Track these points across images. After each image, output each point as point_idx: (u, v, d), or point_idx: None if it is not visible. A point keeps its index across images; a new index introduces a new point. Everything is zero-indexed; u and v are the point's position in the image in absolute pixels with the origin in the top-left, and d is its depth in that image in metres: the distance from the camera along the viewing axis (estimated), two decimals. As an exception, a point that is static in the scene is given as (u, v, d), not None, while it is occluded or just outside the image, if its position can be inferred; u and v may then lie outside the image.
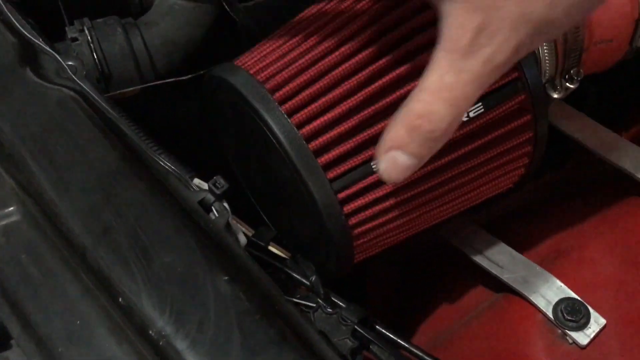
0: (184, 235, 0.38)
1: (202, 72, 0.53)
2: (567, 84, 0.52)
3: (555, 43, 0.50)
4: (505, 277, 0.51)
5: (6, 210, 0.42)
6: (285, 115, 0.41)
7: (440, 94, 0.33)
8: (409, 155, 0.35)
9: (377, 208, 0.43)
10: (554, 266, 0.52)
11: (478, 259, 0.53)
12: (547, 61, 0.50)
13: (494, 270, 0.52)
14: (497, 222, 0.58)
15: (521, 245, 0.56)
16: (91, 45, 0.50)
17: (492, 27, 0.32)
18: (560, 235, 0.56)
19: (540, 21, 0.32)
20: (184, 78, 0.52)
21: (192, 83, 0.53)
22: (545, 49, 0.50)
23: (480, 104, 0.43)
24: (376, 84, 0.42)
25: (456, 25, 0.33)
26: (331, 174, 0.42)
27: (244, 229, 0.51)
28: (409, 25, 0.43)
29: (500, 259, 0.52)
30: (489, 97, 0.44)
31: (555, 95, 0.51)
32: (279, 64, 0.43)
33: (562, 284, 0.50)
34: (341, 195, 0.42)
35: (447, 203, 0.47)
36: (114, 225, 0.38)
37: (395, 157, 0.35)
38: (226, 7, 0.54)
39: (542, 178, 0.65)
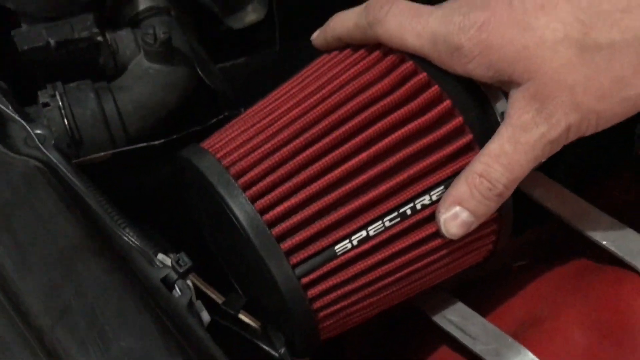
0: (144, 316, 0.37)
1: (174, 136, 0.53)
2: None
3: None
4: (477, 349, 0.51)
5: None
6: (249, 201, 0.41)
7: (499, 159, 0.41)
8: (468, 212, 0.42)
9: (341, 291, 0.43)
10: (527, 335, 0.52)
11: (450, 329, 0.52)
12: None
13: (466, 341, 0.51)
14: (471, 287, 0.58)
15: (495, 312, 0.56)
16: (62, 110, 0.50)
17: (547, 110, 0.40)
18: (534, 302, 0.55)
19: (589, 111, 0.39)
20: (155, 143, 0.52)
21: (165, 147, 0.53)
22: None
23: (442, 186, 0.44)
24: (339, 170, 0.42)
25: (519, 106, 0.40)
26: (294, 259, 0.41)
27: (213, 296, 0.50)
28: (371, 111, 0.44)
29: (473, 330, 0.52)
30: (452, 179, 0.44)
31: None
32: (244, 148, 0.44)
33: (535, 358, 0.49)
34: (305, 280, 0.42)
35: (415, 282, 0.47)
36: (72, 305, 0.37)
37: (456, 212, 0.42)
38: (200, 72, 0.55)
39: (517, 240, 0.65)
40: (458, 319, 0.53)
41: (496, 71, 0.41)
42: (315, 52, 0.53)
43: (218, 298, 0.50)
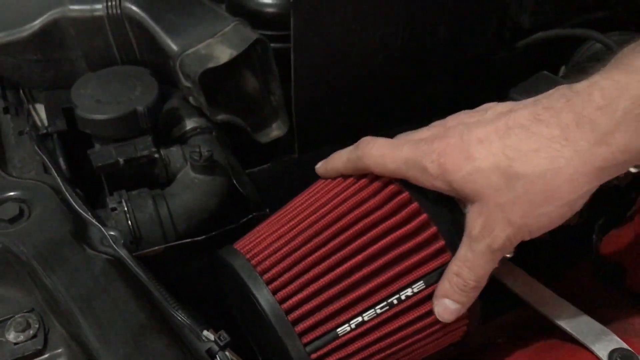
0: (195, 380, 0.49)
1: (213, 233, 0.67)
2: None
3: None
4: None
5: (55, 352, 0.54)
6: (271, 293, 0.54)
7: (465, 262, 0.53)
8: (453, 301, 0.54)
9: (344, 365, 0.55)
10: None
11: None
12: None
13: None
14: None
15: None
16: (127, 214, 0.64)
17: (489, 226, 0.50)
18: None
19: (519, 224, 0.50)
20: (199, 239, 0.65)
21: (206, 242, 0.66)
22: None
23: (421, 281, 0.56)
24: (340, 269, 0.55)
25: (471, 221, 0.52)
26: (306, 339, 0.54)
27: (243, 366, 0.62)
28: (365, 222, 0.57)
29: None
30: (429, 275, 0.56)
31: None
32: (268, 250, 0.57)
33: None
34: (314, 355, 0.54)
35: (402, 358, 0.58)
36: (142, 372, 0.50)
37: (445, 303, 0.54)
38: (235, 181, 0.68)
39: (499, 320, 0.76)
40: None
41: (453, 189, 0.52)
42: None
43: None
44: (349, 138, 0.76)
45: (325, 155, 0.69)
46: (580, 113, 0.47)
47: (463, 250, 0.53)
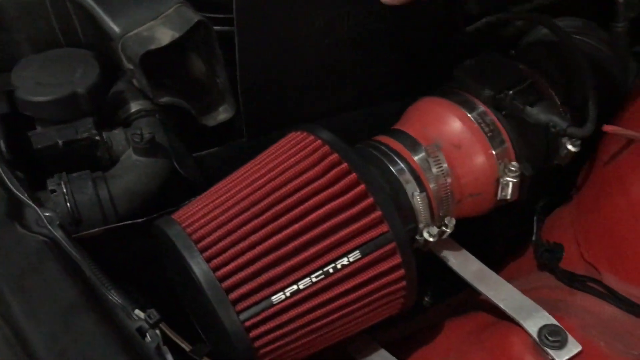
0: (124, 358, 0.50)
1: (154, 215, 0.67)
2: (443, 228, 0.66)
3: (429, 196, 0.65)
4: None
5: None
6: (205, 261, 0.55)
7: None
8: None
9: (278, 333, 0.56)
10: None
11: (376, 376, 0.64)
12: (422, 212, 0.64)
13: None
14: (400, 341, 0.70)
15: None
16: (66, 196, 0.64)
17: None
18: (446, 353, 0.67)
19: None
20: (139, 221, 0.66)
21: (147, 224, 0.66)
22: (420, 202, 0.64)
23: (357, 251, 0.57)
24: (276, 237, 0.56)
25: None
26: (240, 307, 0.54)
27: (183, 345, 0.63)
28: (304, 192, 0.57)
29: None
30: (365, 245, 0.57)
31: (431, 239, 0.64)
32: (204, 219, 0.58)
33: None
34: (247, 323, 0.54)
35: (339, 327, 0.59)
36: (69, 348, 0.50)
37: None
38: (176, 164, 0.69)
39: (440, 304, 0.78)
40: (383, 366, 0.65)
41: None
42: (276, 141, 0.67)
43: (186, 346, 0.62)
44: (298, 122, 0.77)
45: (274, 138, 0.70)
46: None
47: None
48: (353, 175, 0.58)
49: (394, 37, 0.80)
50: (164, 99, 0.72)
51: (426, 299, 0.95)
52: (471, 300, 0.73)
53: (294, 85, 0.78)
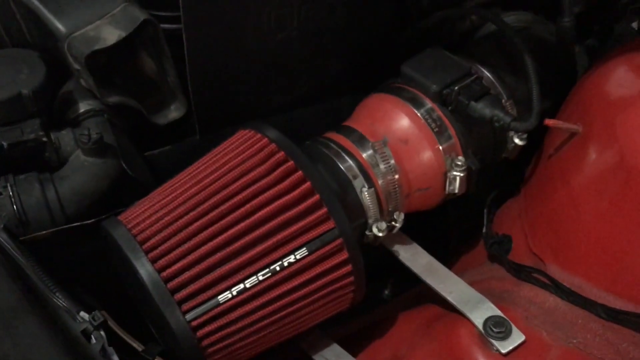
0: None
1: (103, 217, 0.66)
2: (393, 223, 0.67)
3: (377, 192, 0.65)
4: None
5: None
6: (150, 262, 0.55)
7: None
8: None
9: (225, 332, 0.56)
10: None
11: (326, 366, 0.65)
12: (370, 207, 0.65)
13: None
14: (352, 336, 0.71)
15: (367, 353, 0.68)
16: (12, 199, 0.63)
17: None
18: (398, 345, 0.68)
19: None
20: (87, 222, 0.65)
21: (98, 225, 0.66)
22: (368, 197, 0.64)
23: (304, 248, 0.57)
24: (222, 237, 0.56)
25: None
26: (186, 307, 0.54)
27: (134, 345, 0.63)
28: (249, 190, 0.58)
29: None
30: (312, 242, 0.58)
31: (380, 234, 0.65)
32: (149, 220, 0.58)
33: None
34: (194, 323, 0.54)
35: (289, 324, 0.60)
36: (10, 354, 0.50)
37: None
38: (124, 165, 0.68)
39: (395, 299, 0.79)
40: (333, 358, 0.66)
41: None
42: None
43: (138, 346, 0.62)
44: (251, 118, 0.77)
45: (227, 136, 0.70)
46: None
47: None
48: (299, 173, 0.59)
49: (345, 32, 0.80)
50: (113, 99, 0.72)
51: (386, 292, 0.97)
52: (427, 293, 0.74)
53: (246, 82, 0.78)
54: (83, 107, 0.73)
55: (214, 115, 0.78)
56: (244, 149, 0.62)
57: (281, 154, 0.60)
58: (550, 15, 0.87)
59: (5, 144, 0.65)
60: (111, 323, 0.60)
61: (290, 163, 0.60)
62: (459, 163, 0.67)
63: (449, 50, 0.76)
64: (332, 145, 0.68)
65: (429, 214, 0.74)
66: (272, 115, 0.81)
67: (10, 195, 0.64)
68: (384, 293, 0.95)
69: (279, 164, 0.60)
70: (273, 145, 0.61)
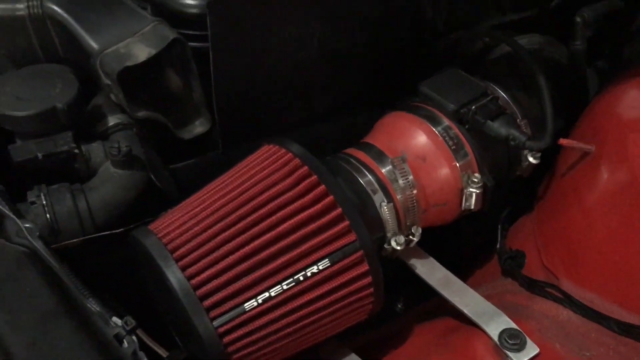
0: (101, 362, 0.52)
1: (131, 226, 0.69)
2: (410, 237, 0.69)
3: (396, 207, 0.68)
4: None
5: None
6: (180, 270, 0.57)
7: None
8: None
9: (251, 338, 0.58)
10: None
11: (344, 375, 0.67)
12: (389, 221, 0.67)
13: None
14: (369, 346, 0.73)
15: (384, 363, 0.70)
16: (45, 208, 0.66)
17: None
18: (415, 354, 0.70)
19: None
20: (116, 232, 0.68)
21: (125, 235, 0.69)
22: (387, 212, 0.67)
23: (327, 259, 0.60)
24: (249, 247, 0.58)
25: None
26: (213, 314, 0.57)
27: (159, 351, 0.65)
28: (275, 203, 0.60)
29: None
30: (334, 254, 0.60)
31: (398, 248, 0.67)
32: (179, 230, 0.60)
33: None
34: (221, 329, 0.57)
35: (310, 333, 0.62)
36: (48, 354, 0.52)
37: None
38: (152, 176, 0.71)
39: (410, 311, 0.81)
40: (351, 367, 0.68)
41: None
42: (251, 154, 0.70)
43: (163, 352, 0.65)
44: (271, 133, 0.80)
45: (249, 150, 0.72)
46: None
47: None
48: (322, 187, 0.61)
49: (363, 52, 0.83)
50: (141, 113, 0.74)
51: (399, 305, 0.98)
52: (441, 306, 0.76)
53: (268, 99, 0.81)
54: (112, 120, 0.76)
55: (237, 130, 0.81)
56: (269, 163, 0.65)
57: (305, 169, 0.63)
58: (561, 37, 0.91)
59: (40, 155, 0.68)
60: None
61: (314, 177, 0.62)
62: (475, 180, 0.70)
63: (465, 70, 0.79)
64: (353, 160, 0.71)
65: (444, 228, 0.76)
66: (291, 130, 0.84)
67: (43, 204, 0.66)
68: (396, 306, 0.97)
69: (302, 178, 0.62)
70: (297, 160, 0.63)
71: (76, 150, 0.70)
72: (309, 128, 0.86)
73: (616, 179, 0.64)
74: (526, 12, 0.92)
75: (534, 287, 0.69)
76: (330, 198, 0.61)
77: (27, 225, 0.62)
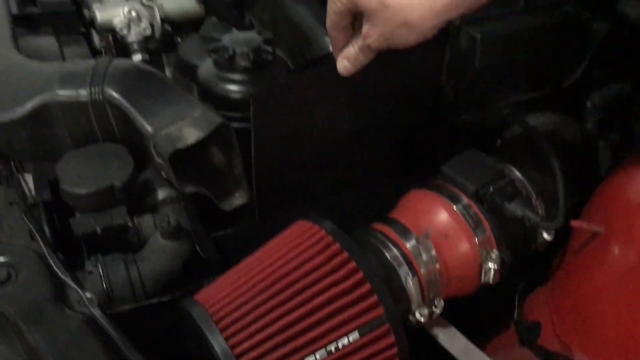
0: None
1: (177, 294, 0.76)
2: (433, 308, 0.75)
3: (420, 280, 0.74)
4: None
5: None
6: (224, 339, 0.64)
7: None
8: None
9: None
10: None
11: None
12: (414, 294, 0.73)
13: None
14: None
15: None
16: (102, 277, 0.73)
17: (373, 29, 0.68)
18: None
19: (387, 36, 0.68)
20: (165, 299, 0.75)
21: (172, 301, 0.75)
22: (412, 286, 0.73)
23: (356, 332, 0.66)
24: (285, 319, 0.65)
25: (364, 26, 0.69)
26: (255, 382, 0.63)
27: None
28: (309, 278, 0.67)
29: None
30: (363, 327, 0.66)
31: (422, 319, 0.73)
32: (224, 301, 0.67)
33: None
34: (261, 394, 0.63)
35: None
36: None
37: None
38: (197, 247, 0.78)
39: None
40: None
41: (354, 5, 0.67)
42: (287, 224, 0.77)
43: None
44: (304, 203, 0.87)
45: (283, 219, 0.79)
46: None
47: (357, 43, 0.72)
48: (352, 264, 0.68)
49: (388, 130, 0.90)
50: (189, 188, 0.82)
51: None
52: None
53: (300, 173, 0.88)
54: (161, 194, 0.83)
55: (273, 201, 0.88)
56: (303, 240, 0.72)
57: (336, 246, 0.69)
58: (578, 115, 0.97)
59: (98, 228, 0.76)
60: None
61: (345, 254, 0.69)
62: (494, 256, 0.76)
63: (483, 146, 0.86)
64: (379, 235, 0.77)
65: (465, 298, 0.82)
66: (321, 200, 0.91)
67: (100, 274, 0.73)
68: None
69: (334, 255, 0.69)
70: (329, 238, 0.70)
71: (130, 224, 0.78)
72: (338, 197, 0.93)
73: (624, 261, 0.69)
74: (541, 92, 0.98)
75: (549, 358, 0.74)
76: (360, 274, 0.68)
77: (87, 295, 0.69)
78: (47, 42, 1.13)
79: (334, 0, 0.69)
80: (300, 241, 0.72)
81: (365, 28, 0.69)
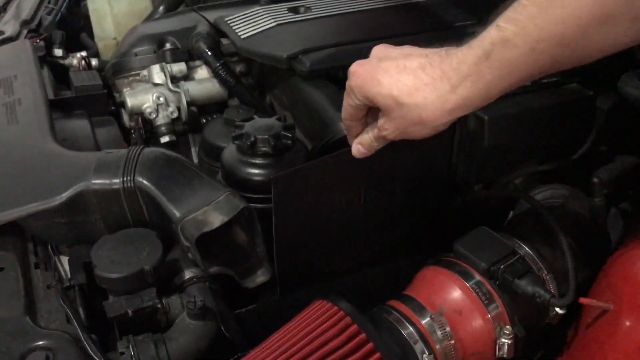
0: None
1: (204, 373, 0.80)
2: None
3: (435, 356, 0.77)
4: None
5: None
6: None
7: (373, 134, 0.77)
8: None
9: None
10: None
11: None
12: (430, 373, 0.76)
13: None
14: None
15: None
16: (133, 358, 0.77)
17: (387, 125, 0.74)
18: None
19: (402, 131, 0.73)
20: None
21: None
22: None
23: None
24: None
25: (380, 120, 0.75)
26: None
27: None
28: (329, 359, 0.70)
29: None
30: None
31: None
32: None
33: None
34: None
35: None
36: None
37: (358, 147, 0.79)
38: (222, 327, 0.82)
39: None
40: None
41: (370, 101, 0.73)
42: (307, 299, 0.81)
43: None
44: (324, 280, 0.91)
45: (303, 296, 0.83)
46: (444, 70, 0.68)
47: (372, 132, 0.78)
48: (370, 345, 0.71)
49: (403, 208, 0.95)
50: (214, 269, 0.87)
51: None
52: None
53: (319, 251, 0.93)
54: (188, 274, 0.88)
55: (293, 278, 0.92)
56: (322, 321, 0.75)
57: (354, 327, 0.73)
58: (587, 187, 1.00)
59: (130, 311, 0.80)
60: None
61: (363, 335, 0.72)
62: (507, 332, 0.78)
63: (493, 229, 0.90)
64: (395, 313, 0.81)
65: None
66: (340, 276, 0.95)
67: (131, 355, 0.78)
68: None
69: (352, 336, 0.72)
70: (348, 319, 0.74)
71: (159, 305, 0.82)
72: (355, 274, 0.97)
73: (633, 337, 0.72)
74: (549, 165, 1.02)
75: None
76: (377, 355, 0.71)
77: (122, 375, 0.73)
78: (80, 124, 1.21)
79: (351, 95, 0.75)
80: (320, 322, 0.76)
81: (381, 121, 0.74)
